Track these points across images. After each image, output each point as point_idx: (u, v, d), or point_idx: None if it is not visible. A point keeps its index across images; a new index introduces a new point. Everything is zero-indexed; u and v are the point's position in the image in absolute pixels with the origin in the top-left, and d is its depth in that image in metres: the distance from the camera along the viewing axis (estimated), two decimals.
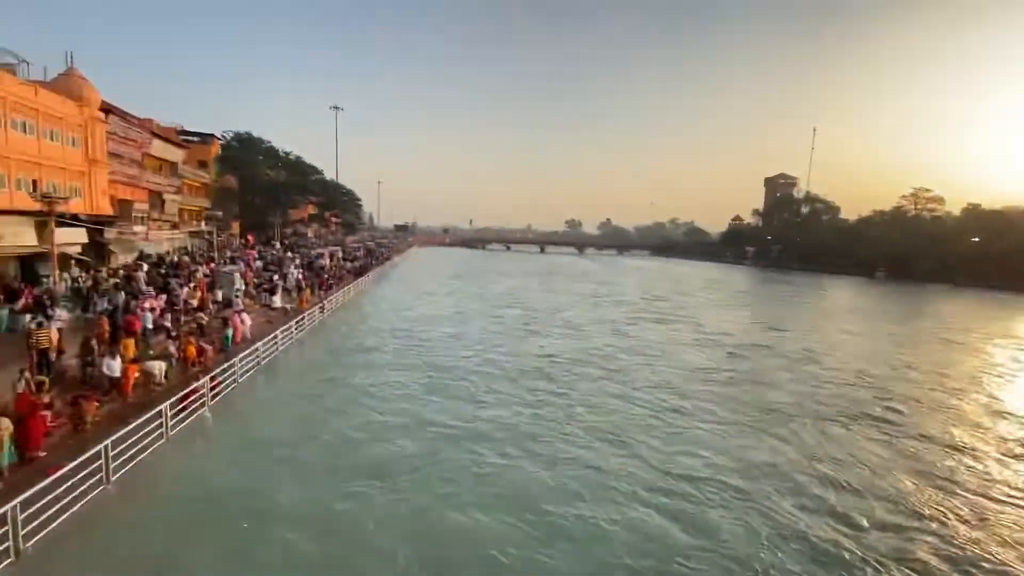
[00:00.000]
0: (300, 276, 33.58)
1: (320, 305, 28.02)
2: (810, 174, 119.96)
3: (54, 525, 8.00)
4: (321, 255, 45.96)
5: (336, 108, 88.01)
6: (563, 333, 28.14)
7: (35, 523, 7.72)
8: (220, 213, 53.32)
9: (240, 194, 57.34)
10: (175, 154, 43.68)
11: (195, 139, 53.50)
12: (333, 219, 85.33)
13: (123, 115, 34.45)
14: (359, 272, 46.70)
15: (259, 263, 34.94)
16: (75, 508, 8.46)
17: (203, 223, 48.69)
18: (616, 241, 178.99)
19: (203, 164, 52.98)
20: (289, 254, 43.29)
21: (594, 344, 25.16)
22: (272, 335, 19.76)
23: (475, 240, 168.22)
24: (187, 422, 12.52)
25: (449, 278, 59.28)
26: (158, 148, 39.81)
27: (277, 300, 25.93)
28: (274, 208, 60.93)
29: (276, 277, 30.26)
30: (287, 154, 64.75)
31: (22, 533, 7.51)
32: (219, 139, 57.93)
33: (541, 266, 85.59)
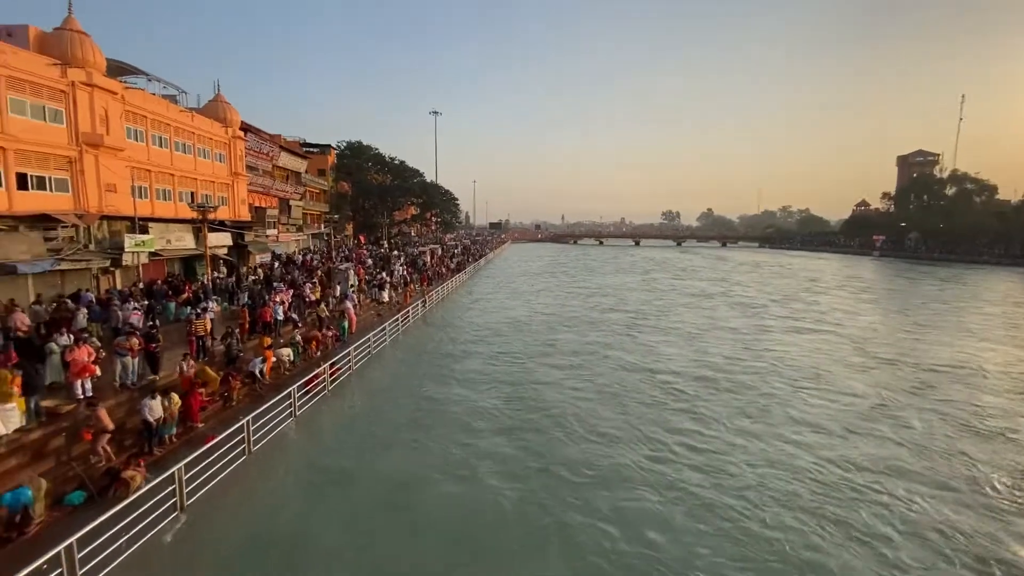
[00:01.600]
0: (405, 273, 35.95)
1: (422, 299, 29.71)
2: (957, 150, 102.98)
3: (210, 485, 9.42)
4: (423, 253, 48.75)
5: (435, 113, 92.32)
6: (674, 341, 23.77)
7: (195, 483, 9.16)
8: (336, 216, 58.58)
9: (353, 198, 62.47)
10: (299, 164, 48.71)
11: (315, 150, 59.24)
12: (433, 218, 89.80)
13: (257, 132, 39.19)
14: (457, 269, 48.76)
15: (369, 261, 37.94)
16: (225, 472, 9.90)
17: (322, 226, 53.84)
18: (718, 232, 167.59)
19: (322, 172, 58.49)
20: (395, 252, 46.46)
21: (717, 359, 20.50)
22: (381, 327, 21.35)
23: (566, 235, 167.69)
24: (311, 403, 14.01)
25: (542, 274, 59.31)
26: (285, 160, 44.67)
27: (385, 295, 27.96)
28: (381, 210, 65.55)
29: (384, 274, 32.64)
30: (392, 159, 69.33)
31: (186, 491, 8.94)
32: (335, 148, 63.54)
33: (637, 261, 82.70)
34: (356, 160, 63.67)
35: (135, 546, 7.62)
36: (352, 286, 26.46)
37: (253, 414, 11.23)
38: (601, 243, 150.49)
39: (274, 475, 10.69)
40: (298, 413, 13.21)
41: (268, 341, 15.85)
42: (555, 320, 28.87)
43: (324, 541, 8.50)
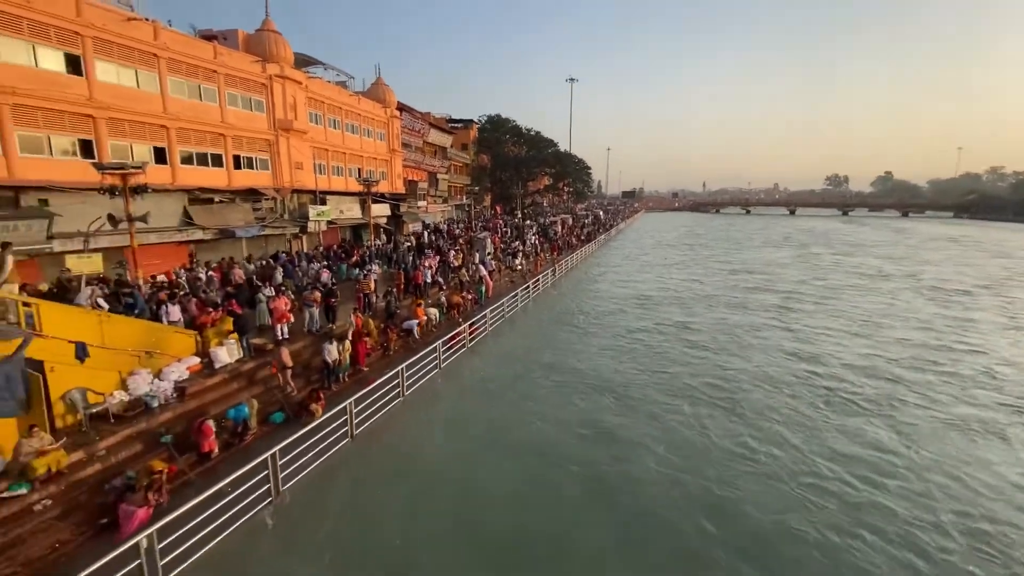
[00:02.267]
0: (536, 242, 36.89)
1: (552, 268, 30.34)
2: None
3: (369, 422, 11.13)
4: (554, 222, 49.30)
5: (571, 80, 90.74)
6: (839, 332, 19.71)
7: (360, 417, 10.89)
8: (476, 188, 61.74)
9: (491, 170, 65.15)
10: (445, 140, 52.06)
11: (459, 125, 62.64)
12: (565, 188, 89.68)
13: (411, 111, 42.68)
14: (587, 238, 48.50)
15: (505, 230, 39.63)
16: (383, 411, 11.57)
17: (464, 197, 57.26)
18: (898, 199, 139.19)
19: (464, 147, 61.81)
20: (527, 222, 47.73)
21: (898, 358, 16.73)
22: (513, 293, 22.44)
23: (708, 203, 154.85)
24: (453, 357, 15.49)
25: (676, 246, 56.27)
26: (434, 136, 48.09)
27: (518, 263, 29.13)
28: (516, 181, 67.38)
29: (517, 243, 33.89)
30: (528, 130, 70.32)
31: (355, 422, 10.69)
32: (476, 123, 66.47)
33: (791, 233, 73.53)
34: (495, 133, 65.87)
35: (317, 462, 9.41)
36: (489, 253, 28.02)
37: (406, 363, 12.84)
38: (748, 212, 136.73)
39: (422, 415, 12.24)
40: (443, 365, 14.74)
41: (421, 301, 17.74)
42: (688, 297, 26.91)
43: (454, 468, 9.63)
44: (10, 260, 10.06)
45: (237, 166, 21.95)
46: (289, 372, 11.96)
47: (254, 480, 7.97)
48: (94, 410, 9.17)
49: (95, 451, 8.64)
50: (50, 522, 7.52)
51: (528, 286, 24.49)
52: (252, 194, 22.25)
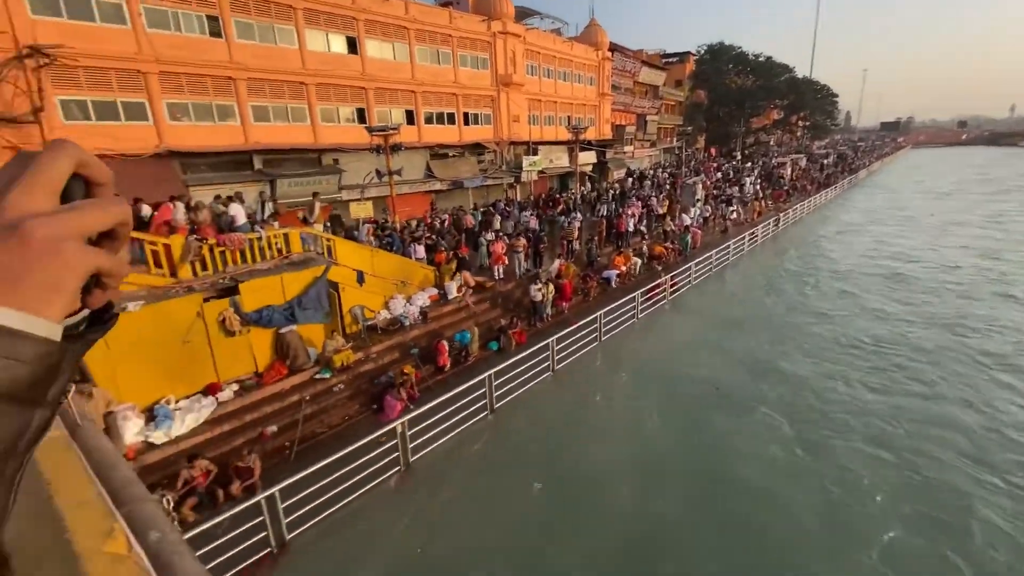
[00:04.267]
0: (757, 187, 32.72)
1: (775, 218, 26.77)
2: None
3: (568, 360, 12.08)
4: (782, 164, 42.67)
5: None
6: None
7: (560, 355, 11.92)
8: (689, 129, 56.91)
9: (707, 107, 58.97)
10: (657, 78, 48.81)
11: (673, 59, 57.66)
12: (800, 123, 75.86)
13: (623, 51, 40.96)
14: (824, 184, 40.86)
15: (718, 175, 36.10)
16: (581, 352, 12.43)
17: (674, 140, 53.55)
18: None
19: (678, 83, 56.97)
20: (747, 165, 42.41)
21: None
22: (724, 245, 20.74)
23: (1013, 134, 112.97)
24: (651, 310, 15.45)
25: (955, 193, 41.67)
26: (645, 75, 45.51)
27: (732, 211, 26.53)
28: (737, 117, 59.69)
29: (732, 188, 30.66)
30: (756, 56, 60.74)
31: (556, 358, 11.78)
32: (693, 55, 60.18)
33: None
34: (715, 64, 58.75)
35: (524, 388, 10.77)
36: (698, 200, 26.15)
37: (604, 310, 13.38)
38: None
39: (616, 361, 12.74)
40: (640, 316, 14.87)
41: (622, 250, 17.91)
42: (971, 279, 18.01)
43: (646, 421, 9.90)
44: (318, 206, 13.55)
45: (466, 122, 24.64)
46: (470, 292, 13.61)
47: (475, 395, 9.65)
48: (368, 323, 12.07)
49: (369, 353, 11.47)
50: (343, 400, 10.45)
51: (743, 238, 22.29)
52: (477, 148, 24.86)
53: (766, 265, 21.54)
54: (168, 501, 6.92)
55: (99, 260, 0.38)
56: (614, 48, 37.37)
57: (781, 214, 27.81)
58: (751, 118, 61.99)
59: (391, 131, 16.26)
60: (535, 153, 27.59)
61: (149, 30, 14.36)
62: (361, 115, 20.25)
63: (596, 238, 18.67)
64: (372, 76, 20.11)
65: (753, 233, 23.38)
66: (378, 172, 16.52)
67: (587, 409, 10.73)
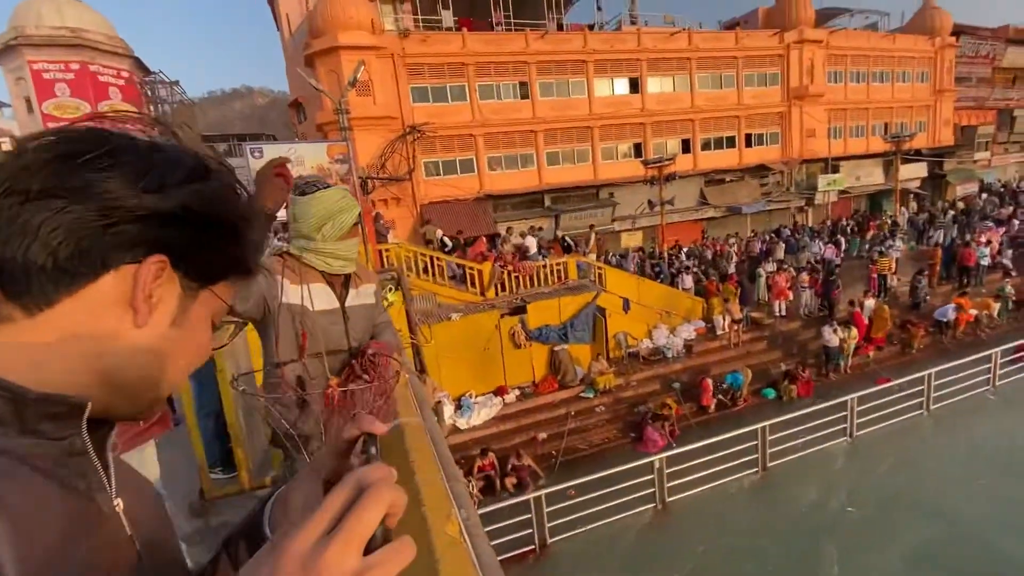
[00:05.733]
0: None
1: None
2: None
3: (871, 427, 9.65)
4: None
5: None
6: None
7: (862, 418, 9.63)
8: None
9: None
10: None
11: None
12: None
13: (974, 32, 31.16)
14: None
15: None
16: (894, 420, 9.79)
17: None
18: None
19: None
20: None
21: None
22: None
23: None
24: (1020, 375, 11.09)
25: None
26: (1011, 56, 33.43)
27: None
28: None
29: None
30: None
31: (857, 422, 9.61)
32: None
33: None
34: None
35: (808, 449, 9.12)
36: None
37: (937, 369, 10.26)
38: None
39: (955, 445, 9.50)
40: (997, 384, 10.84)
41: (967, 290, 13.57)
42: None
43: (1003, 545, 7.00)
44: (593, 237, 14.66)
45: (748, 144, 22.79)
46: (742, 328, 12.32)
47: (744, 445, 8.70)
48: (631, 350, 12.31)
49: (630, 380, 11.67)
50: (603, 421, 10.89)
51: None
52: (760, 169, 22.65)
53: None
54: (471, 484, 8.49)
55: None
56: (960, 31, 28.74)
57: None
58: None
59: (665, 163, 16.38)
60: (835, 171, 23.34)
61: (480, 102, 18.25)
62: (638, 149, 20.97)
63: (928, 273, 14.52)
64: (651, 111, 20.66)
65: None
66: (650, 202, 16.82)
67: (895, 496, 8.16)
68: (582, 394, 11.35)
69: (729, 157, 22.47)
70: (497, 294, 11.86)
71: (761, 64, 22.39)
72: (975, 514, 7.58)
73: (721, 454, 8.51)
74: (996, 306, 13.22)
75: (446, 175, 18.22)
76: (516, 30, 18.64)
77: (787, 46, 22.25)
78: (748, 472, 8.75)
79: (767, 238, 18.62)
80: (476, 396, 10.90)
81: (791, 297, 13.42)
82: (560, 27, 20.27)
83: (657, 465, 8.23)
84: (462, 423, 10.21)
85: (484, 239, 13.05)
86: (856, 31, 25.56)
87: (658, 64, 20.65)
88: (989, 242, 15.76)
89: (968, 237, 16.22)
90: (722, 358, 12.38)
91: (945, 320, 12.60)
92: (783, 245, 17.37)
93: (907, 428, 9.83)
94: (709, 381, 11.00)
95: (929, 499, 8.03)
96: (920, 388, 10.19)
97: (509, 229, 14.98)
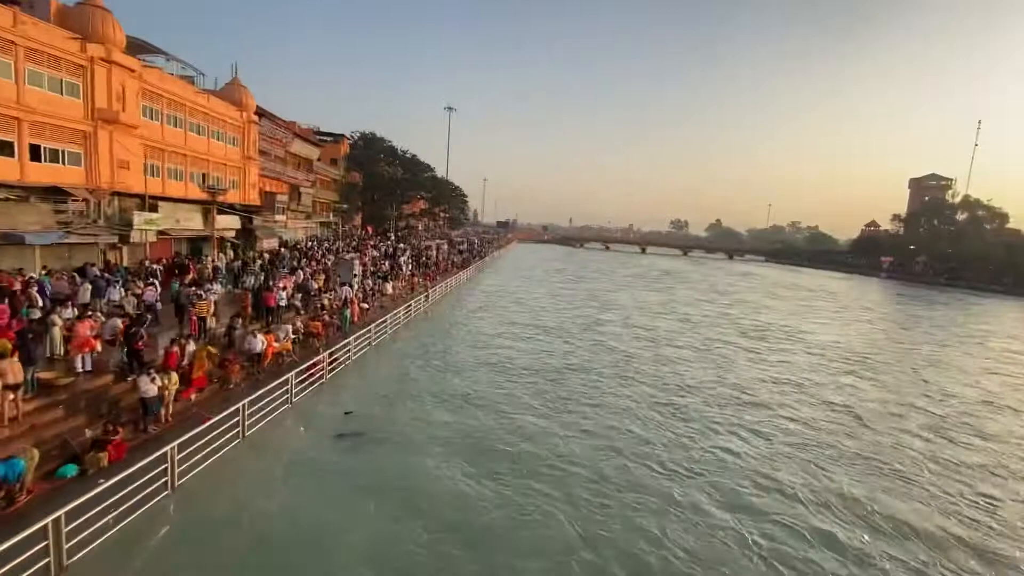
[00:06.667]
0: (410, 266, 35.98)
1: (426, 294, 29.72)
2: (970, 176, 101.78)
3: (197, 469, 9.42)
4: (429, 247, 48.79)
5: (450, 109, 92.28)
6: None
7: (184, 464, 9.17)
8: (346, 206, 58.62)
9: (363, 189, 62.61)
10: (312, 152, 48.83)
11: (328, 139, 59.36)
12: (441, 213, 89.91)
13: (272, 118, 39.33)
14: (462, 265, 48.78)
15: (375, 253, 37.99)
16: (218, 455, 9.91)
17: (331, 215, 53.94)
18: (726, 244, 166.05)
19: (334, 161, 58.60)
20: (401, 245, 46.52)
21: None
22: (382, 319, 21.35)
23: (574, 238, 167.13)
24: (308, 391, 14.01)
25: (548, 278, 58.67)
26: (298, 147, 44.78)
27: (389, 287, 27.98)
28: (390, 202, 65.64)
29: (388, 265, 32.65)
30: (404, 152, 69.40)
31: (178, 470, 8.96)
32: (348, 138, 63.68)
33: (644, 268, 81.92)
34: (368, 151, 63.77)
35: (123, 523, 7.64)
36: (355, 276, 26.49)
37: (249, 399, 11.25)
38: (607, 248, 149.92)
39: (266, 460, 10.70)
40: (294, 400, 13.23)
41: (271, 328, 15.87)
42: (555, 332, 26.63)
43: (307, 526, 8.50)
44: None
45: (36, 158, 17.91)
46: (13, 395, 9.12)
47: (29, 552, 6.14)
48: None
49: None
50: None
51: (399, 312, 23.54)
52: (56, 192, 18.26)
53: (420, 332, 23.37)
54: None
55: None
56: (262, 113, 35.47)
57: (431, 290, 31.19)
58: (403, 204, 69.22)
59: None
60: (154, 209, 22.35)
61: None
62: None
63: (240, 314, 16.07)
64: None
65: (408, 307, 25.12)
66: None
67: (223, 534, 8.32)
68: None
69: (7, 167, 16.89)
70: None
71: (55, 66, 18.38)
72: (301, 504, 8.62)
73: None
74: (291, 340, 16.28)
75: None
76: None
77: (92, 59, 19.42)
78: None
79: (69, 277, 15.08)
80: None
81: (98, 348, 11.21)
82: None
83: None
84: None
85: None
86: (173, 77, 25.92)
87: None
88: (285, 287, 19.48)
89: (271, 283, 19.42)
90: None
91: (257, 353, 14.24)
92: (90, 286, 14.55)
93: (227, 459, 10.13)
94: None
95: (256, 517, 8.50)
96: (237, 419, 10.84)
97: None
